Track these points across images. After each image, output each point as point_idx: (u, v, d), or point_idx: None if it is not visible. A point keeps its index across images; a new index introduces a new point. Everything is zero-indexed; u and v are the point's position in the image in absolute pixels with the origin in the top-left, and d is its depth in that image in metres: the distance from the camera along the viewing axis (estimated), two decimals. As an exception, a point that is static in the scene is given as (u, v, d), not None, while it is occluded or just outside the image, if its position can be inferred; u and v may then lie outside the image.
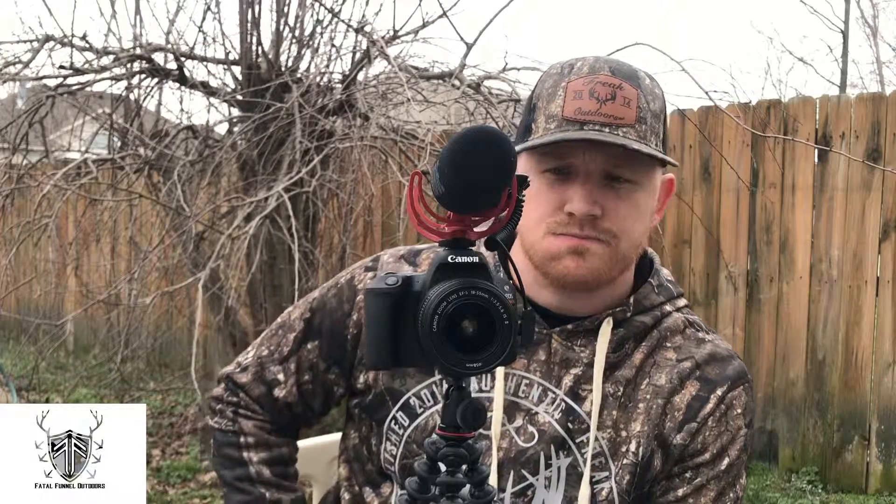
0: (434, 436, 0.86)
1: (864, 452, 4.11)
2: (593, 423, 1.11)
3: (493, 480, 1.11)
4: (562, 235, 1.09)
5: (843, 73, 18.74)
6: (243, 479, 1.26)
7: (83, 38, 4.19)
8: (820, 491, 4.08)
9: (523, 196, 0.83)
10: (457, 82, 3.87)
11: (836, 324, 4.15)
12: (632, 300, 1.16)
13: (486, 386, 1.15)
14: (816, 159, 4.21)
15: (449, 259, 0.82)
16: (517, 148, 1.12)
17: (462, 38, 3.79)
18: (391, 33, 4.02)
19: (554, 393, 1.13)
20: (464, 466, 0.86)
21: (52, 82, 4.35)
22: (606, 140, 1.04)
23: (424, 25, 4.07)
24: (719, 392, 1.15)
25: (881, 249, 4.05)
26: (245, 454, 1.27)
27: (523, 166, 1.12)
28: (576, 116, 1.06)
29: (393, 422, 1.18)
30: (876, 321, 4.08)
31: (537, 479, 1.12)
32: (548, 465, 1.11)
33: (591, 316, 1.14)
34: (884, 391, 4.06)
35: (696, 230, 4.47)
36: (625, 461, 1.11)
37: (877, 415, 4.08)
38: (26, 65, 4.09)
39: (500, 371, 1.13)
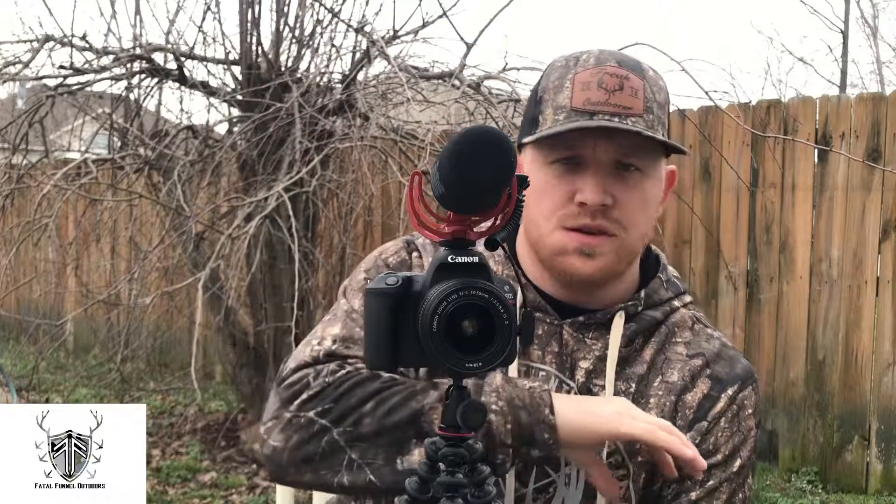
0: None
1: (864, 452, 4.11)
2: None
3: (512, 473, 1.09)
4: (572, 231, 1.09)
5: (843, 73, 18.73)
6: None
7: (83, 38, 4.19)
8: (820, 491, 4.07)
9: (523, 196, 0.83)
10: (457, 82, 3.87)
11: (836, 324, 4.14)
12: (642, 294, 1.16)
13: None
14: (816, 159, 4.21)
15: (449, 259, 0.82)
16: (525, 140, 1.12)
17: (462, 38, 3.80)
18: (391, 33, 4.02)
19: (569, 385, 1.13)
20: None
21: (52, 82, 4.35)
22: (622, 128, 1.05)
23: (424, 25, 4.08)
24: (730, 392, 1.15)
25: (881, 249, 4.05)
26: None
27: (529, 158, 1.12)
28: (585, 107, 1.06)
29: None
30: (876, 321, 4.08)
31: (558, 476, 1.12)
32: (567, 462, 1.11)
33: (602, 309, 1.15)
34: (884, 391, 4.06)
35: (696, 230, 4.47)
36: (639, 458, 1.11)
37: (877, 415, 4.08)
38: (26, 65, 4.09)
39: (514, 364, 1.11)
